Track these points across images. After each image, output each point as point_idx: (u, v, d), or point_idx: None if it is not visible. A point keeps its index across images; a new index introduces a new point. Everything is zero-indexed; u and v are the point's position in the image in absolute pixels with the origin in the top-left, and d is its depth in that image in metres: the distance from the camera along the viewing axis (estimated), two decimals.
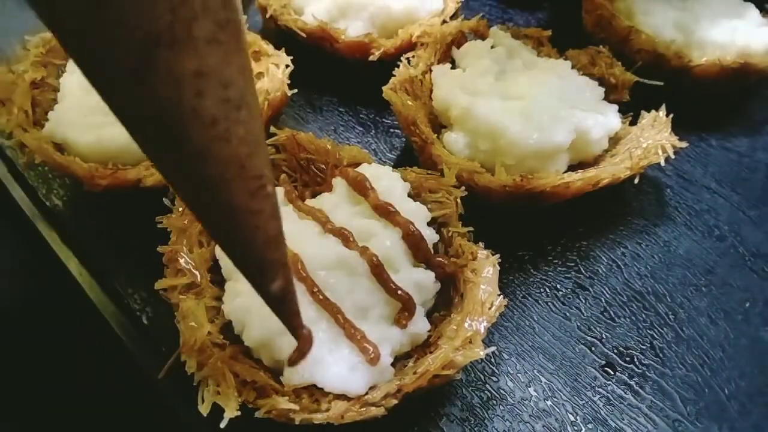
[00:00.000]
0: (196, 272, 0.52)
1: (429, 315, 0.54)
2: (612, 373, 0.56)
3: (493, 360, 0.57)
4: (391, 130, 0.77)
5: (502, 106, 0.64)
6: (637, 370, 0.57)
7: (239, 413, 0.43)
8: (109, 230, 0.65)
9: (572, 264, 0.64)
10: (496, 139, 0.62)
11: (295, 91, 0.69)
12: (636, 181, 0.63)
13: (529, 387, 0.55)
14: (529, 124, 0.62)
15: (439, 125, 0.69)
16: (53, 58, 0.69)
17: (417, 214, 0.55)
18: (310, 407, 0.45)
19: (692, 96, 0.75)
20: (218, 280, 0.53)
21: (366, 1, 0.78)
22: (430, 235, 0.55)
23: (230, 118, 0.28)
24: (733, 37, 0.76)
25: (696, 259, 0.65)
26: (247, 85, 0.29)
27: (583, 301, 0.62)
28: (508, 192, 0.59)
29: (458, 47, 0.74)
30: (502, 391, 0.55)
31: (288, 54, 0.71)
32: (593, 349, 0.58)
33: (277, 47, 0.72)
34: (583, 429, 0.53)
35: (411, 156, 0.69)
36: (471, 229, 0.57)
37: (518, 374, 0.56)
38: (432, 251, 0.55)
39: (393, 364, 0.49)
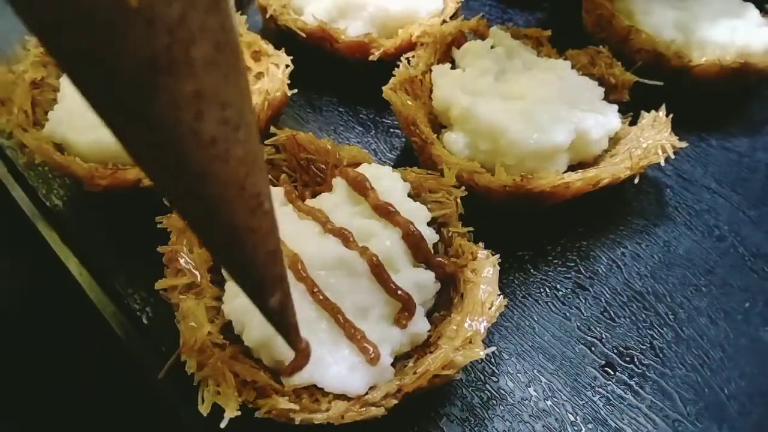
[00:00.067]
0: (196, 272, 0.52)
1: (429, 315, 0.54)
2: (612, 373, 0.56)
3: (493, 360, 0.57)
4: (391, 130, 0.77)
5: (502, 106, 0.64)
6: (637, 370, 0.57)
7: (239, 413, 0.43)
8: (109, 230, 0.65)
9: (572, 264, 0.65)
10: (496, 139, 0.62)
11: (295, 91, 0.69)
12: (636, 181, 0.63)
13: (529, 387, 0.55)
14: (529, 124, 0.62)
15: (439, 125, 0.69)
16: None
17: (417, 214, 0.55)
18: (310, 407, 0.45)
19: (692, 96, 0.75)
20: (218, 280, 0.53)
21: (365, 1, 0.78)
22: (430, 235, 0.55)
23: (229, 138, 0.28)
24: (732, 37, 0.76)
25: (696, 259, 0.65)
26: (245, 105, 0.29)
27: (583, 301, 0.62)
28: (508, 192, 0.59)
29: (458, 47, 0.74)
30: (502, 391, 0.55)
31: (288, 54, 0.71)
32: (593, 349, 0.58)
33: (277, 47, 0.72)
34: (583, 429, 0.53)
35: (411, 156, 0.69)
36: (471, 229, 0.57)
37: (518, 374, 0.56)
38: (432, 251, 0.55)
39: (393, 364, 0.49)
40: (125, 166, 0.60)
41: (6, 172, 0.70)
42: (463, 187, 0.58)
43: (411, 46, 0.74)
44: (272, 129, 0.62)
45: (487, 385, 0.55)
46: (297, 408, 0.44)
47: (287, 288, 0.37)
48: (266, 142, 0.61)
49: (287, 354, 0.46)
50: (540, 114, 0.63)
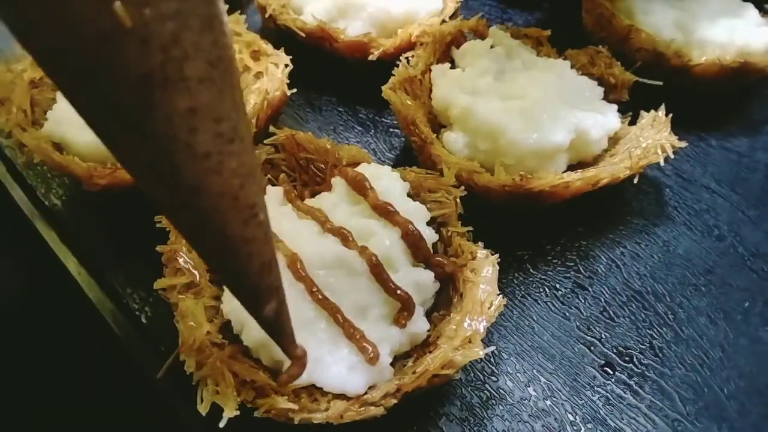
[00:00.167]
0: (195, 272, 0.52)
1: (428, 315, 0.54)
2: (611, 372, 0.56)
3: (492, 360, 0.57)
4: (391, 129, 0.77)
5: (501, 105, 0.64)
6: (636, 369, 0.57)
7: (238, 413, 0.43)
8: (108, 229, 0.65)
9: (571, 264, 0.64)
10: (496, 138, 0.62)
11: (295, 90, 0.69)
12: (635, 180, 0.63)
13: (529, 387, 0.55)
14: (529, 124, 0.62)
15: (438, 125, 0.69)
16: None
17: (416, 214, 0.55)
18: (309, 407, 0.45)
19: (692, 96, 0.75)
20: (217, 279, 0.53)
21: (365, 1, 0.78)
22: (430, 235, 0.55)
23: (223, 151, 0.29)
24: (732, 37, 0.76)
25: (695, 258, 0.65)
26: (240, 118, 0.30)
27: (583, 301, 0.62)
28: (507, 192, 0.59)
29: (457, 47, 0.74)
30: (501, 390, 0.55)
31: (287, 53, 0.71)
32: (592, 348, 0.58)
33: (277, 47, 0.72)
34: (583, 429, 0.53)
35: (410, 156, 0.69)
36: (470, 228, 0.57)
37: (517, 374, 0.56)
38: (431, 251, 0.55)
39: (392, 364, 0.49)
40: None
41: (5, 171, 0.70)
42: (462, 187, 0.58)
43: (410, 46, 0.74)
44: (271, 128, 0.62)
45: (486, 385, 0.55)
46: (296, 407, 0.44)
47: (282, 297, 0.38)
48: (266, 141, 0.61)
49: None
50: (539, 114, 0.63)
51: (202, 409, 0.44)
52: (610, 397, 0.55)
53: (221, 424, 0.43)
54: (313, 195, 0.61)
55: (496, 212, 0.60)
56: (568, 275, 0.64)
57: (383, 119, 0.78)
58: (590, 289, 0.63)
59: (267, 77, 0.69)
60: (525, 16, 0.95)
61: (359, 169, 0.58)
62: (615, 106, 0.69)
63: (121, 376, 0.60)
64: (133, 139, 0.27)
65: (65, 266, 0.62)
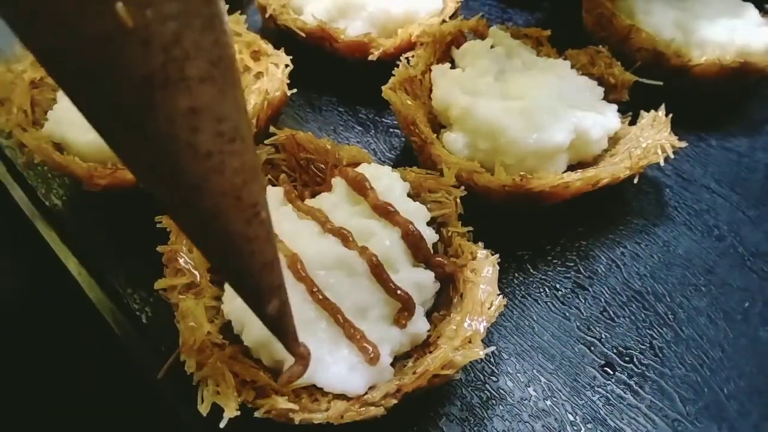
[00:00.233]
0: (196, 272, 0.52)
1: (428, 315, 0.54)
2: (611, 372, 0.56)
3: (492, 360, 0.57)
4: (391, 129, 0.77)
5: (501, 105, 0.64)
6: (636, 369, 0.57)
7: (239, 413, 0.43)
8: (109, 230, 0.65)
9: (572, 264, 0.65)
10: (496, 138, 0.62)
11: (295, 90, 0.69)
12: (635, 180, 0.63)
13: (529, 387, 0.55)
14: (529, 124, 0.62)
15: (438, 125, 0.69)
16: None
17: (416, 214, 0.55)
18: (310, 407, 0.45)
19: (692, 96, 0.75)
20: (218, 279, 0.53)
21: (365, 1, 0.78)
22: (430, 235, 0.55)
23: (224, 150, 0.29)
24: (732, 37, 0.76)
25: (695, 258, 0.65)
26: (241, 117, 0.30)
27: (583, 301, 0.62)
28: (507, 192, 0.59)
29: (458, 47, 0.74)
30: (501, 390, 0.55)
31: (287, 54, 0.71)
32: (592, 348, 0.58)
33: (277, 47, 0.72)
34: (583, 429, 0.53)
35: (410, 156, 0.69)
36: (470, 228, 0.57)
37: (518, 374, 0.56)
38: (431, 251, 0.55)
39: (392, 364, 0.49)
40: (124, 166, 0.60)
41: (5, 171, 0.70)
42: (462, 187, 0.58)
43: (410, 46, 0.74)
44: (272, 129, 0.61)
45: (486, 385, 0.55)
46: (296, 408, 0.44)
47: (285, 295, 0.38)
48: (266, 141, 0.61)
49: (287, 354, 0.46)
50: (539, 114, 0.63)
51: (203, 409, 0.44)
52: (611, 397, 0.55)
53: (222, 425, 0.43)
54: (313, 195, 0.61)
55: (496, 212, 0.60)
56: (568, 275, 0.64)
57: (383, 119, 0.78)
58: (590, 289, 0.63)
59: (267, 77, 0.69)
60: (525, 16, 0.95)
61: (359, 169, 0.58)
62: (615, 106, 0.69)
63: (122, 376, 0.60)
64: (135, 139, 0.27)
65: (66, 266, 0.62)
